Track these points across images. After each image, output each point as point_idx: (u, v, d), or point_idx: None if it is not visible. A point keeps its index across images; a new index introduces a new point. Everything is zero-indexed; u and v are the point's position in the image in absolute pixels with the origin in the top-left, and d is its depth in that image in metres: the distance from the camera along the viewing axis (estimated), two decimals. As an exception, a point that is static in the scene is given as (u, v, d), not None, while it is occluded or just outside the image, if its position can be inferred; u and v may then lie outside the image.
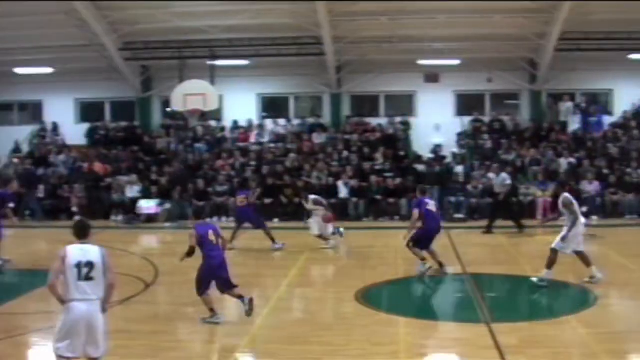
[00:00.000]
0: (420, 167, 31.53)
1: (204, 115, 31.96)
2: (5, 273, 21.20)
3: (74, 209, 31.31)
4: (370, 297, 16.73)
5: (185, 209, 30.19)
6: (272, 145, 33.58)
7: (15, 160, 35.09)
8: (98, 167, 33.00)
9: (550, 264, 17.12)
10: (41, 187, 32.45)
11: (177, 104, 29.92)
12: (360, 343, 13.20)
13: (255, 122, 35.23)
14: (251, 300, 14.94)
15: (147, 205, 30.48)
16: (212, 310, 15.08)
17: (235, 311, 16.65)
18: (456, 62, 33.28)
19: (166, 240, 27.98)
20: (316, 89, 35.38)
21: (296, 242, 25.20)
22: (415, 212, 19.43)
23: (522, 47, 32.74)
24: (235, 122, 35.25)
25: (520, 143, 32.65)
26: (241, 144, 34.15)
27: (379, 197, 30.01)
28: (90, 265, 10.29)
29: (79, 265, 10.25)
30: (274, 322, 14.93)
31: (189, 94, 29.47)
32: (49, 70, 35.62)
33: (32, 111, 39.19)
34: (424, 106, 35.06)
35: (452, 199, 29.91)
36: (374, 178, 30.35)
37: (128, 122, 36.57)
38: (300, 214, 29.27)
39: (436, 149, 33.16)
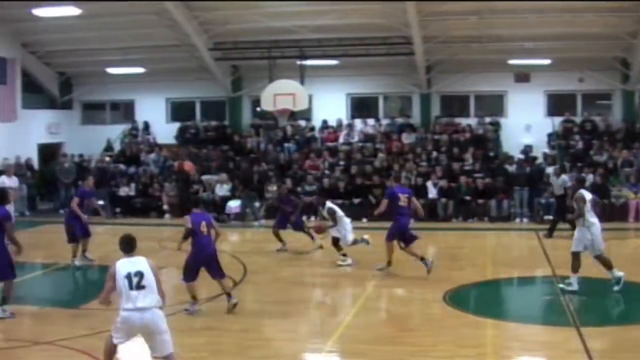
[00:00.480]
0: (511, 168, 31.18)
1: (293, 115, 32.08)
2: (93, 269, 21.55)
3: (165, 207, 31.73)
4: (458, 298, 16.64)
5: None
6: (361, 145, 33.55)
7: (107, 159, 35.66)
8: (187, 166, 33.32)
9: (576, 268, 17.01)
10: (132, 185, 32.93)
11: (267, 104, 30.07)
12: (447, 344, 13.14)
13: (345, 121, 35.25)
14: (234, 305, 15.61)
15: (235, 205, 30.67)
16: (194, 298, 15.76)
17: (322, 311, 16.73)
18: (547, 61, 32.84)
19: (255, 238, 28.15)
20: (405, 88, 35.24)
21: (384, 242, 25.15)
22: (384, 202, 19.72)
23: (614, 46, 32.14)
24: (325, 122, 35.33)
25: (612, 144, 32.09)
26: (330, 144, 34.21)
27: (468, 197, 29.76)
28: (139, 274, 10.83)
29: (129, 276, 10.81)
30: (361, 322, 14.93)
31: (279, 94, 29.60)
32: (140, 70, 36.13)
33: (124, 110, 39.78)
34: (514, 106, 34.65)
35: (542, 200, 29.54)
36: (463, 179, 30.11)
37: (218, 122, 36.90)
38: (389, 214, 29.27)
39: (526, 149, 32.78)
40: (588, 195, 17.16)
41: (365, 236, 21.40)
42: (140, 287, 10.80)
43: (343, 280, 19.45)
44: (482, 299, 17.73)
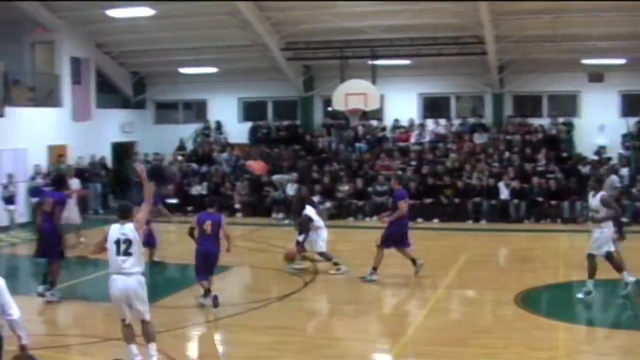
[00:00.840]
0: (584, 169, 30.78)
1: (364, 115, 32.02)
2: (166, 266, 21.77)
3: (237, 205, 31.91)
4: (529, 300, 16.47)
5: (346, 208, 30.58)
6: (432, 145, 33.38)
7: (179, 158, 35.99)
8: (257, 165, 33.44)
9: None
10: (204, 184, 33.17)
11: (339, 104, 30.07)
12: (519, 347, 13.02)
13: (416, 121, 35.12)
14: (215, 297, 16.02)
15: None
16: (208, 291, 16.27)
17: (392, 311, 16.69)
18: (621, 61, 32.30)
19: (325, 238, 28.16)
20: (477, 88, 34.99)
21: (455, 243, 25.06)
22: (403, 204, 19.21)
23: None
24: (396, 122, 35.23)
25: (688, 144, 31.60)
26: (401, 144, 34.11)
27: (540, 199, 29.46)
28: (127, 242, 11.64)
29: (118, 242, 11.68)
30: (431, 324, 14.87)
31: (350, 94, 29.57)
32: (213, 70, 36.37)
33: (197, 110, 40.07)
34: (588, 106, 34.18)
35: (616, 202, 29.10)
36: (535, 179, 29.79)
37: (290, 121, 37.03)
38: (460, 214, 29.15)
39: (600, 150, 32.34)
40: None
41: (344, 268, 20.37)
42: (127, 253, 11.63)
43: (414, 281, 19.36)
44: (554, 301, 17.49)
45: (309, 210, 20.65)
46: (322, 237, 20.47)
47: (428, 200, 29.70)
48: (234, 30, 31.67)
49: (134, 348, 11.89)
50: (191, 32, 32.21)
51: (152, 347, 11.81)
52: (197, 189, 32.92)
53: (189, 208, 31.86)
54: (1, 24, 30.07)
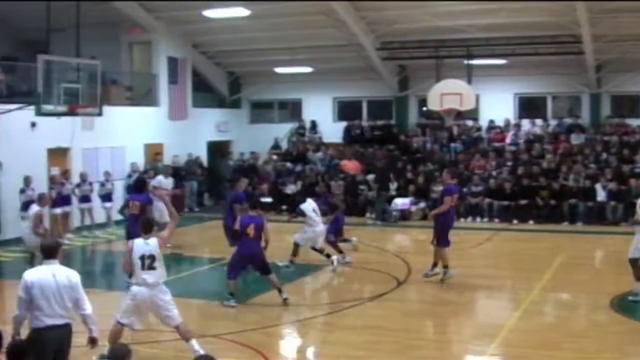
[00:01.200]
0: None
1: (460, 115, 31.84)
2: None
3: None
4: (625, 304, 16.17)
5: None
6: (528, 145, 33.00)
7: (274, 157, 36.23)
8: (351, 165, 33.47)
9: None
10: (298, 183, 33.30)
11: (434, 103, 29.92)
12: (612, 352, 12.83)
13: (512, 121, 34.77)
14: (285, 300, 16.28)
15: (402, 202, 30.57)
16: (232, 294, 16.50)
17: (485, 313, 16.57)
18: None
19: (419, 238, 28.09)
20: (574, 88, 34.45)
21: (551, 245, 24.77)
22: (448, 200, 18.91)
23: None
24: (492, 122, 34.92)
25: None
26: (497, 144, 33.81)
27: (638, 200, 28.85)
28: (152, 257, 12.13)
29: (142, 258, 12.15)
30: (525, 326, 14.70)
31: (446, 93, 29.40)
32: (308, 69, 36.55)
33: (292, 109, 40.28)
34: (688, 107, 33.56)
35: None
36: (633, 181, 29.21)
37: (384, 121, 36.97)
38: (556, 216, 28.78)
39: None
40: None
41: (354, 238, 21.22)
42: (151, 268, 12.15)
43: (508, 282, 19.22)
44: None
45: (306, 205, 20.98)
46: (317, 232, 20.76)
47: (523, 202, 29.36)
48: (329, 30, 31.74)
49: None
50: (287, 32, 32.41)
51: (194, 343, 12.19)
52: (292, 188, 33.06)
53: (283, 207, 32.08)
54: (100, 25, 30.61)
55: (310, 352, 13.68)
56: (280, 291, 16.46)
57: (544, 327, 14.77)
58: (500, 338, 13.69)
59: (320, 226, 20.71)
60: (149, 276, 12.11)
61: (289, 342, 14.24)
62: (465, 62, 31.57)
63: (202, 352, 11.35)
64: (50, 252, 9.64)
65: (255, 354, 12.64)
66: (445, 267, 18.64)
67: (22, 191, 24.28)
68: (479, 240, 25.03)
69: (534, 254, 22.77)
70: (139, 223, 13.38)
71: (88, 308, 9.51)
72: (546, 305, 16.86)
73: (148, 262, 12.13)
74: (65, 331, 9.41)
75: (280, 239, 23.89)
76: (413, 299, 17.81)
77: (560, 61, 32.48)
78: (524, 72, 33.84)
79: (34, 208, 18.67)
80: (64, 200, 25.48)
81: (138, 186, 19.69)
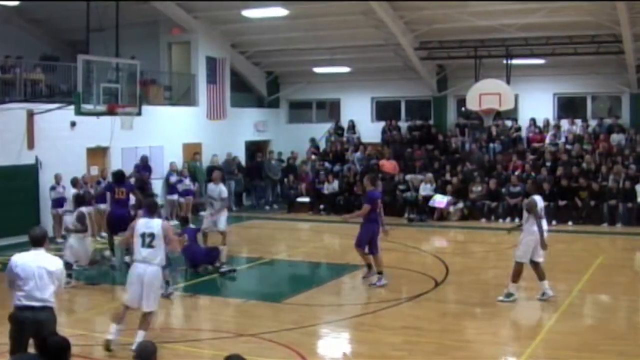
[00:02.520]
0: None
1: (499, 115, 31.71)
2: (297, 265, 21.98)
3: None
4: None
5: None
6: (567, 146, 32.78)
7: (312, 157, 36.24)
8: (387, 165, 33.41)
9: None
10: (336, 183, 33.24)
11: (472, 103, 29.84)
12: (654, 354, 12.73)
13: (551, 122, 34.54)
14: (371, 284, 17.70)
15: (440, 200, 30.42)
16: (369, 266, 18.22)
17: (524, 314, 16.48)
18: None
19: (457, 239, 28.02)
20: (615, 88, 34.14)
21: (590, 246, 24.59)
22: (367, 207, 18.44)
23: None
24: (531, 122, 34.69)
25: None
26: (536, 145, 33.60)
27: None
28: (152, 235, 12.92)
29: (143, 235, 12.97)
30: (564, 328, 14.60)
31: (484, 93, 29.32)
32: (346, 69, 36.53)
33: (330, 109, 40.29)
34: None
35: None
36: (674, 182, 29.00)
37: (423, 121, 36.86)
38: (596, 217, 28.56)
39: None
40: None
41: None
42: (150, 246, 12.92)
43: (546, 284, 19.11)
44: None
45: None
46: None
47: (562, 203, 29.14)
48: (368, 29, 31.73)
49: (114, 327, 12.84)
50: (325, 32, 32.46)
51: (141, 334, 12.52)
52: (329, 188, 33.05)
53: (322, 206, 32.15)
54: (139, 25, 30.81)
55: (347, 352, 13.65)
56: (380, 273, 18.01)
57: (583, 329, 14.67)
58: (538, 340, 13.62)
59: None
60: (146, 253, 12.89)
61: (327, 342, 14.23)
62: (505, 61, 31.41)
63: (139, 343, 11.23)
64: (37, 240, 10.27)
65: (293, 354, 12.65)
66: (380, 273, 18.46)
67: (53, 188, 24.53)
68: (517, 241, 24.87)
69: (573, 255, 22.62)
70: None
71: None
72: (585, 307, 16.73)
73: (148, 240, 12.92)
74: (43, 314, 9.82)
75: (319, 239, 24.11)
76: (451, 300, 17.75)
77: (600, 61, 32.28)
78: (564, 72, 33.65)
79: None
80: (99, 198, 25.59)
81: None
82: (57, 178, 25.00)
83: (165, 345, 12.72)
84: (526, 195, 17.94)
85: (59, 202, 24.91)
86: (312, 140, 37.53)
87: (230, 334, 13.95)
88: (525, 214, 16.67)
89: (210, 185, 21.88)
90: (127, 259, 18.55)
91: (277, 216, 31.99)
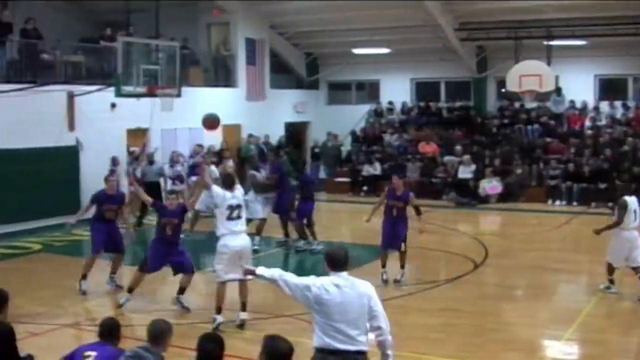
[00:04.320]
0: None
1: (539, 96, 31.50)
2: (337, 246, 21.97)
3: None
4: None
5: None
6: (608, 128, 32.49)
7: (349, 138, 36.30)
8: (426, 147, 33.34)
9: None
10: (376, 165, 33.21)
11: (512, 85, 29.68)
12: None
13: (592, 104, 34.24)
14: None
15: (489, 185, 30.22)
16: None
17: (563, 297, 16.42)
18: None
19: (496, 221, 27.94)
20: (657, 70, 33.85)
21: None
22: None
23: None
24: (571, 104, 34.39)
25: None
26: (576, 127, 33.34)
27: None
28: (239, 207, 13.38)
29: (230, 207, 13.26)
30: (603, 311, 14.56)
31: (524, 75, 29.16)
32: (386, 50, 36.42)
33: (369, 90, 40.20)
34: None
35: None
36: None
37: (462, 103, 36.69)
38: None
39: None
40: None
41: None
42: (238, 217, 13.34)
43: (585, 266, 19.02)
44: None
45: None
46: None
47: (602, 185, 28.89)
48: (407, 10, 31.57)
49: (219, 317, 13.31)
50: (364, 13, 32.30)
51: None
52: (369, 170, 33.04)
53: (364, 188, 32.21)
54: (178, 6, 30.81)
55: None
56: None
57: (622, 312, 14.62)
58: (577, 323, 13.56)
59: None
60: (236, 225, 13.25)
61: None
62: (545, 43, 31.16)
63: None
64: None
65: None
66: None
67: (112, 172, 24.65)
68: (557, 224, 24.79)
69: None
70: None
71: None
72: (624, 289, 16.55)
73: (236, 211, 13.28)
74: None
75: (357, 220, 24.03)
76: (489, 282, 17.72)
77: (640, 42, 31.91)
78: (605, 53, 33.22)
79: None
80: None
81: None
82: (115, 161, 24.98)
83: (204, 325, 12.80)
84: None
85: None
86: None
87: (268, 314, 14.00)
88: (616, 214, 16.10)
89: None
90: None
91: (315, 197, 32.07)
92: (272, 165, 21.96)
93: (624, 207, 15.46)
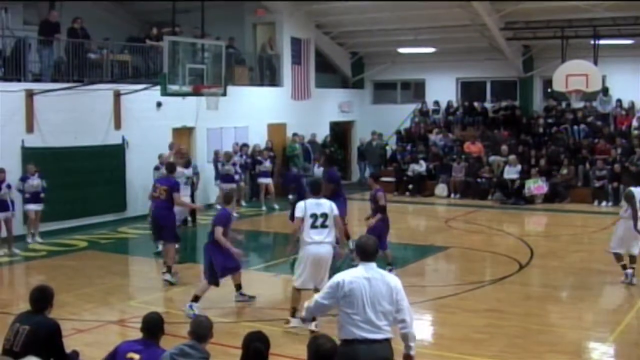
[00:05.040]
0: None
1: (586, 96, 31.22)
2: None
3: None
4: None
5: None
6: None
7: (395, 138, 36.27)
8: (472, 147, 33.20)
9: None
10: (422, 164, 33.13)
11: (559, 85, 29.45)
12: None
13: (639, 104, 33.83)
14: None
15: (535, 185, 30.04)
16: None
17: (609, 299, 16.29)
18: None
19: (542, 222, 27.77)
20: None
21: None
22: None
23: None
24: (618, 103, 34.03)
25: None
26: (623, 127, 33.01)
27: None
28: (324, 216, 12.81)
29: (314, 216, 12.78)
30: (649, 313, 14.42)
31: (571, 74, 28.93)
32: (431, 50, 36.33)
33: (414, 90, 40.12)
34: None
35: None
36: None
37: (508, 102, 36.46)
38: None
39: None
40: None
41: None
42: (324, 226, 12.82)
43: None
44: None
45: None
46: None
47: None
48: (453, 10, 31.44)
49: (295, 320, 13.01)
50: (410, 12, 32.23)
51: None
52: (414, 169, 32.98)
53: (410, 186, 32.19)
54: (225, 6, 31.02)
55: (430, 333, 13.64)
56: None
57: (670, 315, 14.45)
58: (623, 325, 13.44)
59: None
60: (320, 233, 12.80)
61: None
62: (592, 42, 30.89)
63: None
64: None
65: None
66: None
67: (157, 169, 24.82)
68: (603, 225, 24.59)
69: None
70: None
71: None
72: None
73: (321, 220, 12.80)
74: None
75: (402, 220, 24.06)
76: (535, 283, 17.61)
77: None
78: (652, 53, 32.93)
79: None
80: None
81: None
82: (162, 158, 25.23)
83: (249, 324, 12.83)
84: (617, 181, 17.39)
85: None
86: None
87: (288, 309, 13.94)
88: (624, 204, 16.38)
89: None
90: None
91: (359, 197, 32.06)
92: (329, 172, 20.00)
93: (631, 196, 16.08)
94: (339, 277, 8.14)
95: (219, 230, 14.15)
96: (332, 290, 8.11)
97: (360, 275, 8.07)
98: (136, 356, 7.88)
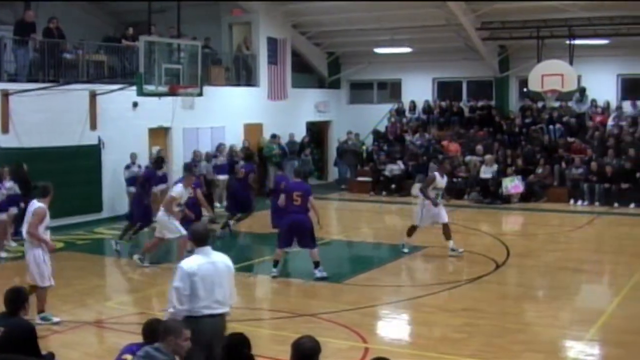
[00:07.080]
0: None
1: (561, 96, 31.32)
2: (356, 246, 22.00)
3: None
4: None
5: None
6: (630, 128, 32.25)
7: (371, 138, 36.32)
8: (450, 146, 33.27)
9: None
10: (398, 164, 33.17)
11: (534, 84, 29.59)
12: None
13: (614, 104, 34.04)
14: (318, 279, 16.56)
15: (512, 184, 30.10)
16: (276, 261, 17.06)
17: (585, 297, 16.37)
18: None
19: (518, 221, 27.86)
20: (681, 69, 33.61)
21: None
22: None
23: None
24: (593, 103, 34.18)
25: None
26: (599, 126, 33.14)
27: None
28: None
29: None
30: (626, 312, 14.45)
31: (547, 74, 29.08)
32: (407, 50, 36.37)
33: (391, 90, 40.14)
34: None
35: None
36: None
37: (485, 102, 36.54)
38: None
39: None
40: None
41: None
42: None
43: (608, 267, 18.95)
44: None
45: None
46: None
47: (625, 185, 28.74)
48: (429, 10, 31.52)
49: None
50: (386, 12, 32.25)
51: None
52: (391, 169, 33.00)
53: (392, 186, 32.20)
54: (200, 6, 30.96)
55: (406, 333, 13.66)
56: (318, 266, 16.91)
57: (645, 313, 14.52)
58: (599, 323, 13.49)
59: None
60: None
61: (386, 323, 14.26)
62: (567, 42, 31.02)
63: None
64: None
65: (352, 334, 12.69)
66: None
67: (128, 167, 24.71)
68: (579, 224, 24.71)
69: (636, 239, 22.36)
70: None
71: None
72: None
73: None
74: None
75: (379, 219, 24.05)
76: (511, 282, 17.67)
77: (663, 41, 31.71)
78: (628, 53, 33.03)
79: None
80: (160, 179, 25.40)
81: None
82: (133, 157, 25.28)
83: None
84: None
85: (133, 181, 24.72)
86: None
87: (289, 313, 14.03)
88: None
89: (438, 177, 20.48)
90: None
91: (336, 197, 32.09)
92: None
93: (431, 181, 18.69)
94: (180, 272, 8.84)
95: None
96: (184, 284, 8.73)
97: (203, 261, 8.92)
98: (129, 357, 7.89)
